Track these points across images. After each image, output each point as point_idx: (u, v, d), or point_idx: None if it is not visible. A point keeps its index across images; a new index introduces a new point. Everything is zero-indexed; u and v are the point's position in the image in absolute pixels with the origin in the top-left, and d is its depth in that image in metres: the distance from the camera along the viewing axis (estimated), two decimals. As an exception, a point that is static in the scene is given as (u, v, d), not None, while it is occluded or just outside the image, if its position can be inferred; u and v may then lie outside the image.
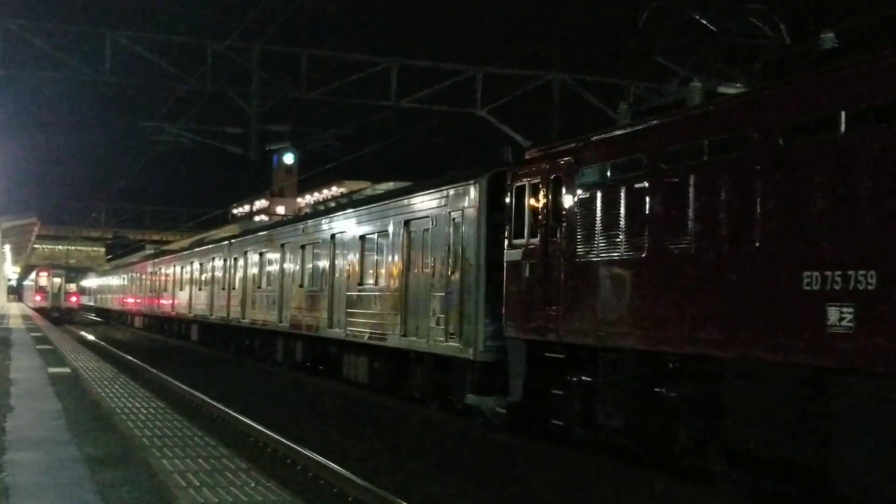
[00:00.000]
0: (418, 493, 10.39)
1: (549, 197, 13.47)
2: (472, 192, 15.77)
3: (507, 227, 14.48)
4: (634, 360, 11.62)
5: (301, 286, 24.55)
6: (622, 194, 11.85)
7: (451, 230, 16.31)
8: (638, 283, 11.53)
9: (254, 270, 29.67)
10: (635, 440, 11.71)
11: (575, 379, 12.70)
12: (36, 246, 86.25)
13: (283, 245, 26.54)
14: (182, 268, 42.12)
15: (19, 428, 11.98)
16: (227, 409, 16.29)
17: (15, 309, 78.24)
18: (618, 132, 12.66)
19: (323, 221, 23.55)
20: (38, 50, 24.22)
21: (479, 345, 15.19)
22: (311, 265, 24.25)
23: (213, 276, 35.83)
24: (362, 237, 20.57)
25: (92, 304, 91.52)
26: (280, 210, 79.39)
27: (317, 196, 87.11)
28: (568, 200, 13.01)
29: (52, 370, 21.17)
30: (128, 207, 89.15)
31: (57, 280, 74.38)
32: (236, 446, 12.43)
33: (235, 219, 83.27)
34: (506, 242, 14.48)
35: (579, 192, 12.77)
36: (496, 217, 15.21)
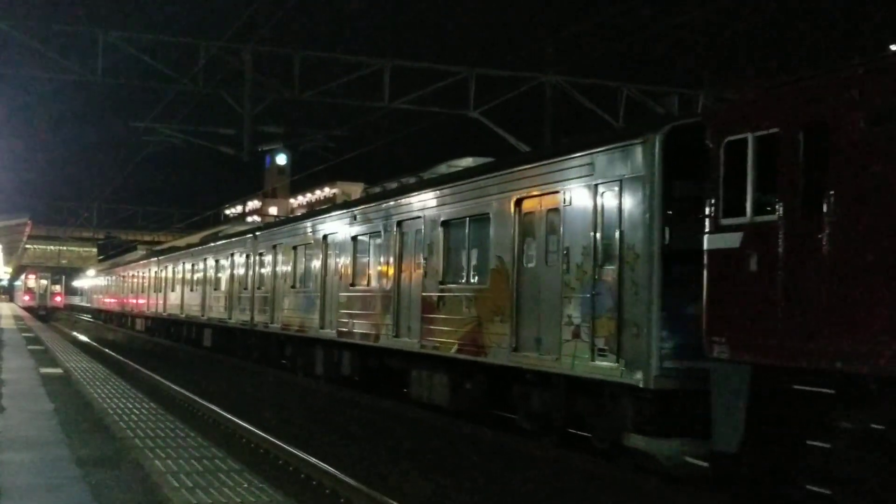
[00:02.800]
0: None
1: (802, 153, 9.38)
2: (639, 156, 11.56)
3: (710, 202, 10.37)
4: None
5: (352, 286, 20.22)
6: None
7: (599, 208, 12.16)
8: None
9: (286, 268, 25.03)
10: None
11: (852, 426, 8.67)
12: (28, 246, 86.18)
13: (325, 237, 22.09)
14: (193, 265, 37.46)
15: (11, 428, 11.97)
16: (219, 410, 16.30)
17: (6, 309, 78.17)
18: None
19: (384, 207, 18.96)
20: (30, 50, 24.21)
21: (653, 367, 11.01)
22: (366, 260, 19.97)
23: (232, 274, 30.99)
24: (445, 223, 16.38)
25: (85, 304, 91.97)
26: (273, 211, 79.35)
27: (309, 197, 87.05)
28: (849, 155, 8.84)
29: (44, 371, 21.14)
30: (120, 208, 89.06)
31: (43, 282, 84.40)
32: (229, 447, 12.45)
33: (228, 219, 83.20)
34: (707, 223, 10.40)
35: (875, 140, 8.65)
36: (678, 189, 11.31)
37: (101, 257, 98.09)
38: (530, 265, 13.78)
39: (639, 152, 11.60)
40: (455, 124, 28.45)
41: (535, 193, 13.73)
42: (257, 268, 28.00)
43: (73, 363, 24.40)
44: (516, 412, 14.45)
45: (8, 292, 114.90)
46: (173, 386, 20.59)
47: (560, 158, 13.25)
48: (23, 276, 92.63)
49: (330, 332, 21.19)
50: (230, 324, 30.79)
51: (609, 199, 12.07)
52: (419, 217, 17.31)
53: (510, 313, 13.91)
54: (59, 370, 21.80)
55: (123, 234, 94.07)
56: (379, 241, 19.04)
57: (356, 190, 71.20)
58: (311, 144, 36.98)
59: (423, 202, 17.27)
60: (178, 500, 8.31)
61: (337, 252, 21.39)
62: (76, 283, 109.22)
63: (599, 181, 12.23)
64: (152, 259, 48.15)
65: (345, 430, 15.33)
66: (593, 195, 12.30)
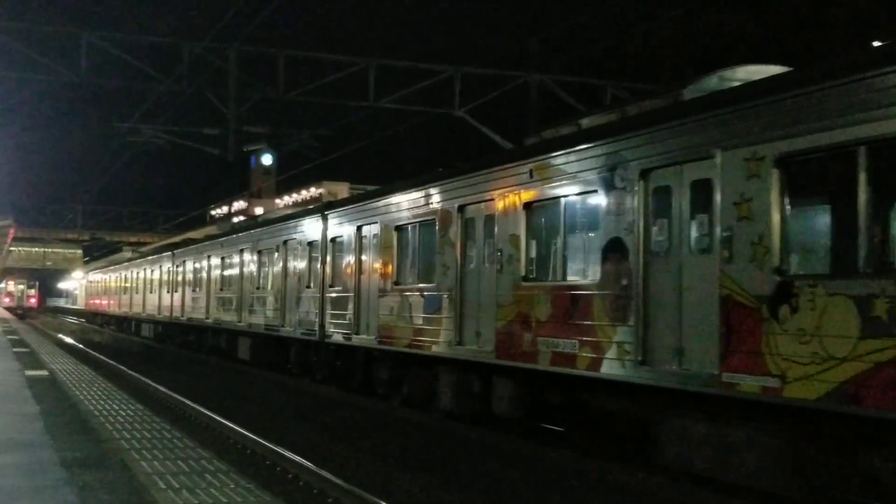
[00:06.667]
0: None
1: None
2: None
3: None
4: None
5: (529, 280, 13.42)
6: None
7: None
8: None
9: (382, 257, 18.06)
10: None
11: None
12: (12, 249, 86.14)
13: (461, 208, 15.19)
14: (223, 259, 30.82)
15: (-3, 431, 11.91)
16: (206, 411, 16.27)
17: (-9, 312, 77.87)
18: None
19: (604, 150, 11.82)
20: (13, 51, 24.13)
21: None
22: (560, 239, 12.97)
23: (286, 267, 24.16)
24: (785, 162, 9.23)
25: (72, 306, 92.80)
26: (258, 211, 79.19)
27: (295, 197, 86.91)
28: None
29: (29, 373, 21.03)
30: (105, 209, 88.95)
31: (21, 286, 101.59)
32: (216, 448, 12.43)
33: (214, 220, 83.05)
34: None
35: None
36: None
37: (86, 259, 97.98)
38: None
39: None
40: (440, 123, 28.52)
41: None
42: (329, 258, 21.18)
43: (58, 365, 24.28)
44: None
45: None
46: (159, 387, 20.53)
47: None
48: (3, 282, 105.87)
49: (478, 351, 14.40)
50: (283, 332, 23.95)
51: None
52: (706, 158, 10.08)
53: None
54: (44, 372, 21.69)
55: (109, 235, 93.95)
56: (591, 205, 12.15)
57: (342, 190, 71.07)
58: (297, 144, 36.97)
59: (715, 129, 10.04)
60: (165, 501, 8.28)
61: (491, 229, 14.37)
62: (61, 285, 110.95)
63: None
64: (164, 254, 41.60)
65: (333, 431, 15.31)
66: None
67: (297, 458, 11.61)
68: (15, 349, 29.96)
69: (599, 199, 11.78)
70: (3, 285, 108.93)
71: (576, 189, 12.35)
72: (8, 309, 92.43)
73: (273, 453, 12.28)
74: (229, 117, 26.67)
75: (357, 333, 19.11)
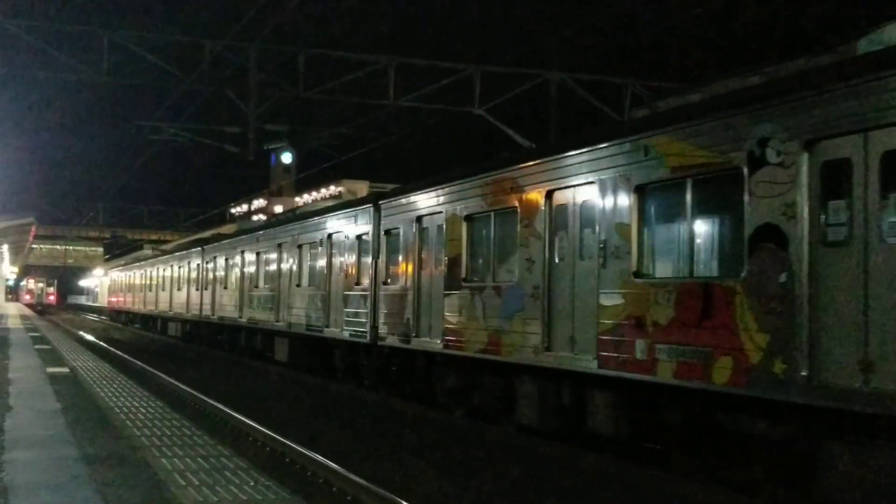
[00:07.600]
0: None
1: None
2: None
3: None
4: None
5: (640, 275, 11.38)
6: None
7: None
8: None
9: (441, 255, 16.34)
10: None
11: None
12: (34, 246, 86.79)
13: (549, 195, 13.19)
14: (258, 255, 28.83)
15: (18, 427, 11.97)
16: (225, 409, 16.32)
17: (13, 309, 78.39)
18: None
19: (748, 115, 9.75)
20: (35, 50, 24.27)
21: None
22: (671, 225, 11.32)
23: (330, 263, 22.12)
24: None
25: (92, 303, 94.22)
26: (278, 209, 79.42)
27: (315, 195, 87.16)
28: None
29: (50, 370, 21.15)
30: (126, 207, 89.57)
31: (40, 284, 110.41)
32: (235, 445, 12.46)
33: (234, 218, 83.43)
34: None
35: None
36: None
37: (107, 256, 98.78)
38: None
39: None
40: (459, 122, 28.51)
41: None
42: (383, 253, 19.09)
43: (79, 362, 24.41)
44: None
45: (14, 292, 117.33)
46: (179, 384, 20.61)
47: None
48: (24, 280, 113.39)
49: (573, 358, 12.30)
50: (327, 333, 21.86)
51: None
52: None
53: None
54: (65, 369, 21.81)
55: (129, 233, 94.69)
56: (731, 185, 9.95)
57: (362, 188, 71.20)
58: (316, 143, 37.07)
59: None
60: (185, 497, 8.30)
61: (590, 216, 12.26)
62: (82, 283, 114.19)
63: None
64: (193, 250, 39.65)
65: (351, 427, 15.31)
66: None
67: (316, 456, 11.62)
68: (36, 346, 30.15)
69: (744, 178, 9.64)
70: (23, 283, 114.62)
71: (709, 166, 10.19)
72: (29, 306, 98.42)
73: (291, 450, 12.31)
74: (249, 115, 26.73)
75: (417, 336, 17.03)
